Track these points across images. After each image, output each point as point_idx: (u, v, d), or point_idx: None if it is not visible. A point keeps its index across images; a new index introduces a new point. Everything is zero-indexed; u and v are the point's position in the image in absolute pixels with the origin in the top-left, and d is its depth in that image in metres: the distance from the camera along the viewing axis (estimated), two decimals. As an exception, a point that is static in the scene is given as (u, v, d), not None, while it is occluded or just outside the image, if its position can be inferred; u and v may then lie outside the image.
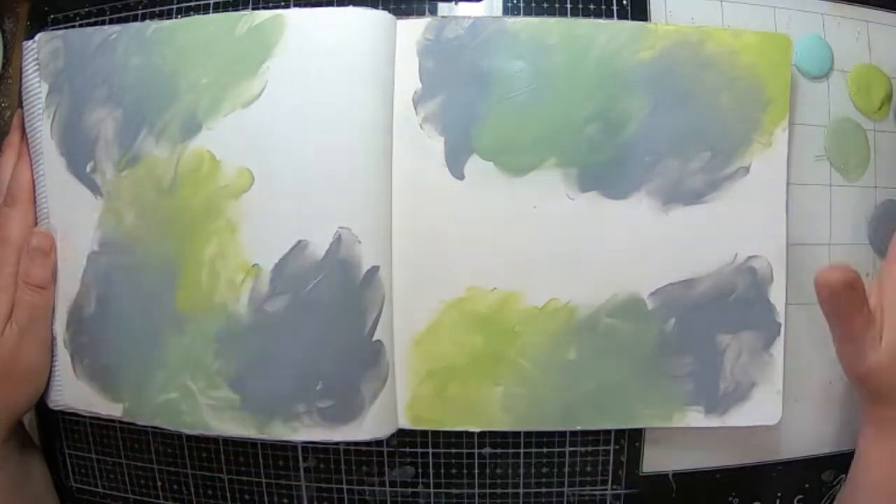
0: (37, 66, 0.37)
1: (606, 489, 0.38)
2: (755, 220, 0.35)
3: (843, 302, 0.31)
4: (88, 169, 0.36)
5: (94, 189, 0.36)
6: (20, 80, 0.38)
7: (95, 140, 0.36)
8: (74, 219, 0.37)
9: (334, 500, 0.38)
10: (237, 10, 0.37)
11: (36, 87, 0.37)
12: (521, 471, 0.38)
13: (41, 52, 0.37)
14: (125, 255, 0.36)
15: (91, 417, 0.38)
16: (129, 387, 0.36)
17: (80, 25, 0.39)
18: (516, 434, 0.37)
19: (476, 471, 0.38)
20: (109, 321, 0.36)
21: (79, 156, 0.37)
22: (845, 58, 0.37)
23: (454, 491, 0.38)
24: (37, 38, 0.37)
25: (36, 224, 0.38)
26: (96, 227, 0.36)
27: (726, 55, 0.34)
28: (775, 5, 0.37)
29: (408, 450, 0.37)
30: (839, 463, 0.38)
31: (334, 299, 0.34)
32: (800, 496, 0.39)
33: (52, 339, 0.37)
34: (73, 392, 0.38)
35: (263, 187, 0.34)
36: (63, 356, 0.38)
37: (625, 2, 0.37)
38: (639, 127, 0.34)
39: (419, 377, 0.35)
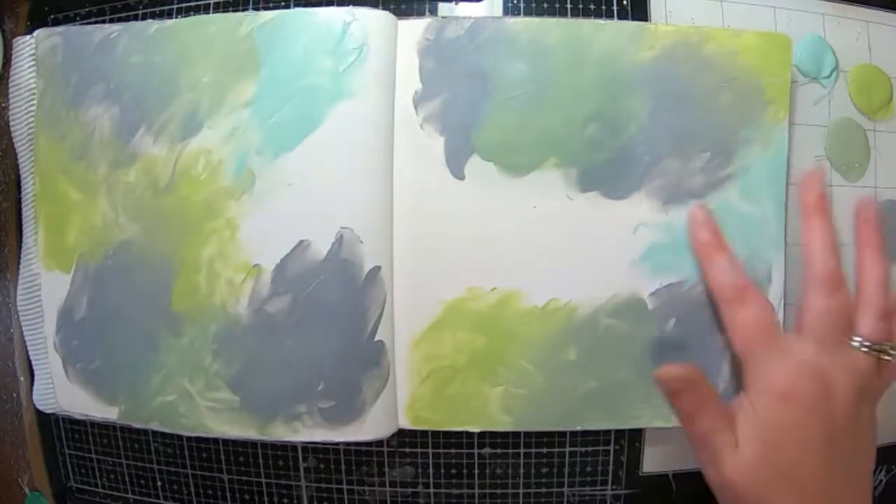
0: (32, 62, 0.37)
1: (606, 489, 0.38)
2: (754, 220, 0.35)
3: (685, 401, 0.30)
4: (81, 167, 0.36)
5: (87, 188, 0.36)
6: (9, 75, 0.38)
7: (90, 137, 0.36)
8: (65, 218, 0.37)
9: (334, 500, 0.38)
10: (237, 10, 0.37)
11: (28, 82, 0.37)
12: (521, 471, 0.38)
13: (39, 47, 0.37)
14: (118, 255, 0.36)
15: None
16: (124, 390, 0.36)
17: (80, 26, 0.39)
18: (516, 434, 0.37)
19: (476, 471, 0.38)
20: (102, 323, 0.36)
21: (72, 153, 0.37)
22: (845, 58, 0.37)
23: (454, 491, 0.38)
24: (35, 34, 0.37)
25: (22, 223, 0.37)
26: (88, 227, 0.36)
27: (726, 55, 0.34)
28: (775, 5, 0.37)
29: (408, 450, 0.37)
30: (839, 463, 0.38)
31: (336, 299, 0.34)
32: (800, 496, 0.39)
33: (44, 340, 0.37)
34: (66, 395, 0.37)
35: (265, 187, 0.34)
36: (54, 359, 0.38)
37: (625, 2, 0.37)
38: (639, 127, 0.34)
39: (419, 377, 0.35)
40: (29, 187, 0.38)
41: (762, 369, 0.30)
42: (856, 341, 0.30)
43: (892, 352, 0.30)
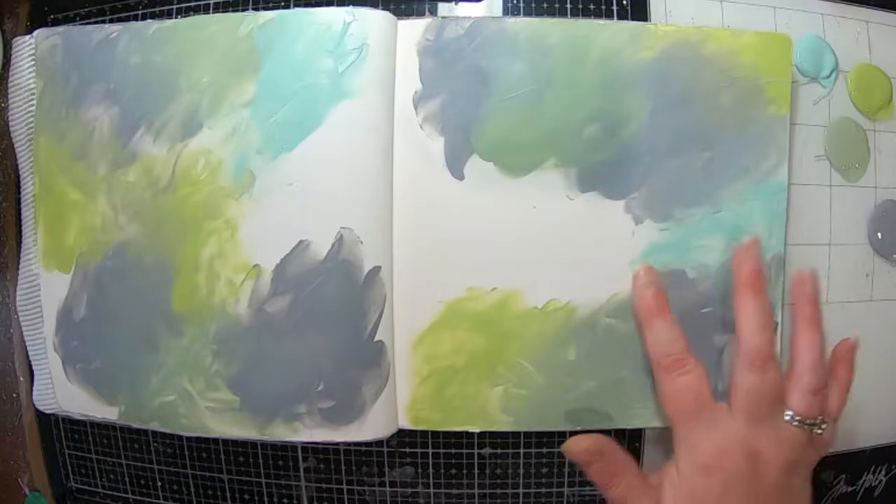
0: (31, 62, 0.37)
1: (606, 489, 0.38)
2: (755, 220, 0.35)
3: (597, 472, 0.31)
4: (81, 167, 0.36)
5: (87, 188, 0.36)
6: (9, 75, 0.38)
7: (89, 138, 0.36)
8: (64, 218, 0.37)
9: (334, 500, 0.38)
10: (237, 10, 0.37)
11: (28, 82, 0.37)
12: (521, 471, 0.38)
13: (39, 47, 0.37)
14: (118, 255, 0.36)
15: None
16: (124, 390, 0.36)
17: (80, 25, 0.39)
18: (516, 434, 0.37)
19: (476, 471, 0.38)
20: (101, 324, 0.36)
21: (71, 153, 0.37)
22: (845, 58, 0.37)
23: (454, 491, 0.38)
24: (35, 33, 0.37)
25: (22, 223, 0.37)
26: (88, 227, 0.36)
27: (726, 55, 0.34)
28: (775, 5, 0.37)
29: (408, 450, 0.37)
30: (839, 463, 0.38)
31: (336, 300, 0.34)
32: (799, 496, 0.39)
33: (44, 340, 0.37)
34: (66, 396, 0.38)
35: (265, 187, 0.34)
36: (54, 359, 0.38)
37: (625, 2, 0.37)
38: (639, 127, 0.34)
39: (419, 377, 0.35)
40: (29, 187, 0.38)
41: (690, 439, 0.31)
42: (787, 415, 0.30)
43: (823, 425, 0.31)
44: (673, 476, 0.31)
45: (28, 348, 0.39)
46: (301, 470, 0.38)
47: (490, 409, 0.35)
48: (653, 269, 0.34)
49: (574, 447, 0.31)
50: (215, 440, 0.39)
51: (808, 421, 0.30)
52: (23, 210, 0.39)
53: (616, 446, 0.32)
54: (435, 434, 0.37)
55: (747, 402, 0.30)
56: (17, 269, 0.40)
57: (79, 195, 0.36)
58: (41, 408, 0.38)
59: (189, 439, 0.39)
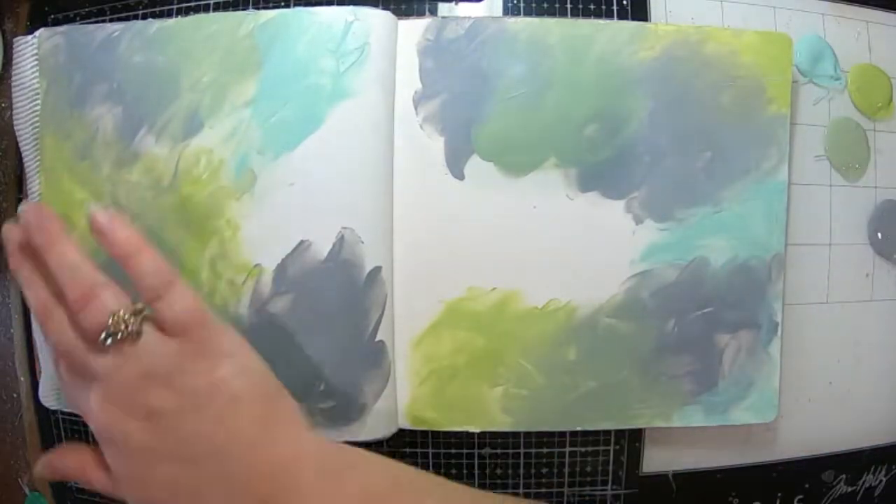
0: (34, 62, 0.37)
1: (606, 489, 0.38)
2: (755, 219, 0.35)
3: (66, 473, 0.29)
4: (85, 166, 0.36)
5: (91, 187, 0.36)
6: (11, 75, 0.38)
7: (93, 137, 0.36)
8: (68, 217, 0.37)
9: (334, 500, 0.38)
10: (238, 9, 0.37)
11: (32, 82, 0.37)
12: (521, 471, 0.38)
13: (41, 47, 0.37)
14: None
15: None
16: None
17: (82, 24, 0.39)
18: (516, 434, 0.37)
19: (476, 471, 0.38)
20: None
21: (76, 153, 0.36)
22: (845, 58, 0.37)
23: (454, 491, 0.38)
24: (37, 33, 0.37)
25: None
26: (91, 226, 0.36)
27: (727, 55, 0.34)
28: (775, 5, 0.37)
29: (408, 450, 0.37)
30: (839, 463, 0.39)
31: (337, 300, 0.34)
32: (800, 496, 0.39)
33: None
34: None
35: (266, 187, 0.34)
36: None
37: (625, 2, 0.37)
38: (639, 127, 0.34)
39: (419, 377, 0.35)
40: (35, 187, 0.38)
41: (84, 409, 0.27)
42: (96, 346, 0.26)
43: (131, 320, 0.26)
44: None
45: (36, 345, 0.39)
46: (301, 470, 0.38)
47: (490, 409, 0.35)
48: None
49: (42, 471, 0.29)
50: (215, 440, 0.38)
51: (105, 334, 0.25)
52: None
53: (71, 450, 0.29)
54: (435, 434, 0.37)
55: (66, 362, 0.27)
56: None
57: (84, 194, 0.36)
58: (46, 404, 0.38)
59: (189, 439, 0.39)
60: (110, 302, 0.26)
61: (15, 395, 0.42)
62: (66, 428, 0.41)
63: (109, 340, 0.26)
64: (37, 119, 0.37)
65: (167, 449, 0.26)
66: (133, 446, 0.26)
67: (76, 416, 0.39)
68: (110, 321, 0.26)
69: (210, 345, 0.27)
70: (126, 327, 0.26)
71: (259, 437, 0.27)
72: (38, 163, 0.37)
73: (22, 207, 0.28)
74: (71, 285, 0.26)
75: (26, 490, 0.42)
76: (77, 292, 0.26)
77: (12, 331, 0.41)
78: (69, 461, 0.29)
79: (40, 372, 0.39)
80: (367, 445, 0.37)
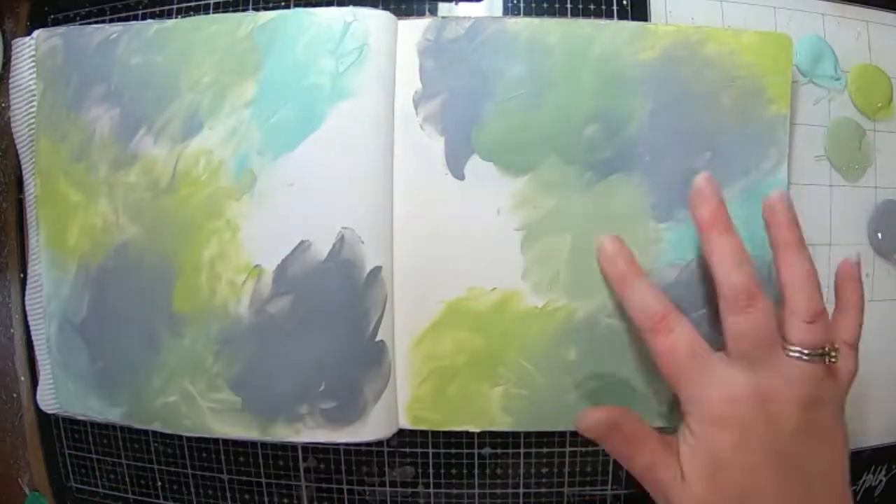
0: (32, 63, 0.37)
1: (606, 489, 0.38)
2: (756, 220, 0.35)
3: (616, 444, 0.30)
4: (82, 168, 0.36)
5: (87, 189, 0.36)
6: (9, 76, 0.38)
7: (90, 139, 0.36)
8: (65, 219, 0.37)
9: (334, 500, 0.38)
10: (237, 10, 0.37)
11: (28, 83, 0.37)
12: (521, 471, 0.38)
13: (39, 48, 0.37)
14: (119, 256, 0.36)
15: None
16: (126, 391, 0.36)
17: (80, 26, 0.39)
18: (516, 434, 0.37)
19: (476, 471, 0.38)
20: (103, 324, 0.36)
21: (72, 154, 0.37)
22: (845, 58, 0.37)
23: (454, 491, 0.38)
24: (34, 34, 0.37)
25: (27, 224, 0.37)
26: (89, 228, 0.36)
27: (726, 55, 0.34)
28: (775, 5, 0.37)
29: (408, 450, 0.37)
30: (839, 463, 0.38)
31: (337, 300, 0.34)
32: (800, 496, 0.39)
33: (46, 341, 0.37)
34: (67, 396, 0.37)
35: (265, 187, 0.34)
36: (56, 360, 0.37)
37: (625, 2, 0.37)
38: (639, 127, 0.34)
39: (419, 377, 0.35)
40: (31, 188, 0.38)
41: (695, 396, 0.29)
42: (793, 351, 0.28)
43: (833, 354, 0.29)
44: (688, 440, 0.29)
45: (35, 348, 0.39)
46: (301, 470, 0.38)
47: (490, 409, 0.35)
48: (617, 238, 0.33)
49: (587, 421, 0.30)
50: (215, 440, 0.39)
51: (815, 352, 0.28)
52: (27, 211, 0.39)
53: (632, 416, 0.30)
54: (435, 434, 0.37)
55: (742, 346, 0.29)
56: (19, 268, 0.40)
57: (80, 196, 0.36)
58: (44, 408, 0.38)
59: (189, 439, 0.39)
60: (826, 334, 0.29)
61: (15, 395, 0.42)
62: (65, 428, 0.41)
63: (809, 357, 0.28)
64: (33, 121, 0.37)
65: (805, 464, 0.28)
66: (777, 443, 0.28)
67: (76, 417, 0.39)
68: (825, 345, 0.28)
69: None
70: (829, 353, 0.29)
71: None
72: (33, 165, 0.37)
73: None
74: (808, 297, 0.29)
75: (26, 490, 0.42)
76: (812, 307, 0.29)
77: (12, 331, 0.41)
78: (629, 438, 0.30)
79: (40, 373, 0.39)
80: (367, 445, 0.37)
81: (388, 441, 0.37)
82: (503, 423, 0.35)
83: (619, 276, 0.32)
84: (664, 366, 0.30)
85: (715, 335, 0.35)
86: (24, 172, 0.38)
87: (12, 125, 0.38)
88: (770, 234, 0.31)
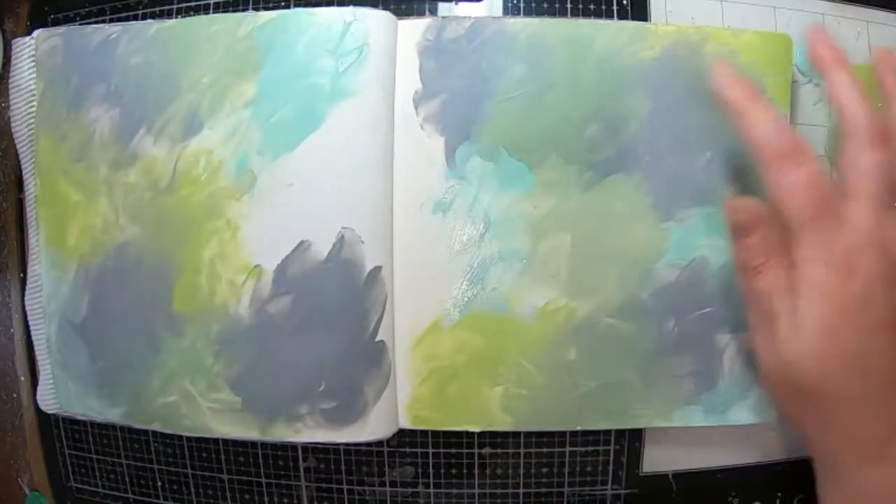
0: (32, 63, 0.37)
1: (606, 489, 0.38)
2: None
3: (751, 245, 0.28)
4: (81, 168, 0.36)
5: (87, 189, 0.36)
6: (9, 76, 0.38)
7: (90, 139, 0.36)
8: (65, 219, 0.37)
9: (334, 500, 0.38)
10: (237, 10, 0.37)
11: (28, 83, 0.37)
12: (521, 471, 0.38)
13: (39, 49, 0.37)
14: (118, 256, 0.36)
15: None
16: (125, 391, 0.36)
17: (81, 26, 0.39)
18: (516, 434, 0.37)
19: (476, 471, 0.38)
20: (103, 324, 0.36)
21: (72, 155, 0.36)
22: (845, 58, 0.37)
23: (454, 491, 0.38)
24: (34, 34, 0.37)
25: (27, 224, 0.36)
26: (88, 228, 0.36)
27: (727, 55, 0.34)
28: (775, 5, 0.37)
29: (408, 450, 0.37)
30: (839, 463, 0.38)
31: (337, 300, 0.34)
32: (800, 496, 0.39)
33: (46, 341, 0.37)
34: (67, 396, 0.37)
35: (265, 187, 0.34)
36: (56, 360, 0.37)
37: (625, 2, 0.37)
38: (639, 127, 0.34)
39: (419, 377, 0.35)
40: (31, 189, 0.38)
41: (819, 239, 0.26)
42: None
43: None
44: (811, 281, 0.26)
45: (35, 349, 0.39)
46: (301, 470, 0.38)
47: (490, 409, 0.35)
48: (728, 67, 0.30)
49: (735, 205, 0.28)
50: (215, 440, 0.39)
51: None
52: (27, 211, 0.39)
53: (774, 225, 0.27)
54: (435, 434, 0.37)
55: (869, 184, 0.26)
56: (19, 268, 0.40)
57: (80, 196, 0.36)
58: (44, 408, 0.38)
59: (189, 439, 0.39)
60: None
61: (15, 395, 0.42)
62: (65, 428, 0.41)
63: None
64: (33, 121, 0.37)
65: None
66: (879, 324, 0.25)
67: (76, 417, 0.39)
68: None
69: None
70: None
71: None
72: (33, 165, 0.37)
73: None
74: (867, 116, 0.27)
75: (26, 490, 0.42)
76: (871, 122, 0.27)
77: (12, 331, 0.41)
78: (758, 243, 0.28)
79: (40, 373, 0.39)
80: (367, 445, 0.37)
81: (388, 441, 0.37)
82: (503, 423, 0.35)
83: (737, 98, 0.29)
84: (785, 203, 0.27)
85: (714, 336, 0.35)
86: (23, 172, 0.38)
87: (12, 125, 0.38)
88: (883, 85, 0.29)
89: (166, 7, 0.38)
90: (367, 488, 0.38)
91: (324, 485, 0.38)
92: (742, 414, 0.35)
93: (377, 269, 0.34)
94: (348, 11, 0.34)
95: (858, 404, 0.26)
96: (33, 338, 0.39)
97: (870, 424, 0.26)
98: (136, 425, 0.37)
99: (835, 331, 0.26)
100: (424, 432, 0.37)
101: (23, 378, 0.41)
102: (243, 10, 0.37)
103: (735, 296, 0.35)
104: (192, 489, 0.40)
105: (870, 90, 0.38)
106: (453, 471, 0.38)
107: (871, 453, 0.26)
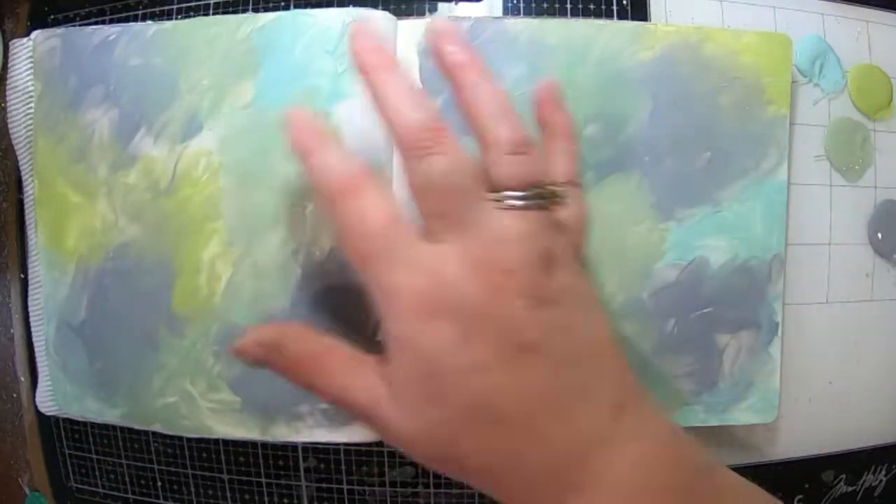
0: (29, 64, 0.37)
1: (606, 489, 0.38)
2: (755, 219, 0.35)
3: (290, 372, 0.24)
4: (80, 169, 0.36)
5: (86, 190, 0.36)
6: (7, 78, 0.38)
7: (88, 140, 0.36)
8: (64, 220, 0.37)
9: (334, 500, 0.38)
10: (237, 11, 0.37)
11: (26, 84, 0.37)
12: (522, 471, 0.37)
13: (37, 49, 0.37)
14: (118, 257, 0.36)
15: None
16: (125, 392, 0.36)
17: (80, 26, 0.39)
18: (516, 434, 0.37)
19: (476, 471, 0.37)
20: (102, 325, 0.36)
21: (70, 155, 0.36)
22: (845, 58, 0.37)
23: (454, 491, 0.38)
24: (33, 35, 0.37)
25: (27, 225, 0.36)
26: (87, 229, 0.36)
27: (726, 55, 0.34)
28: (775, 5, 0.37)
29: (408, 450, 0.37)
30: (839, 463, 0.39)
31: (338, 299, 0.34)
32: (800, 496, 0.39)
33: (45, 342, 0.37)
34: (66, 398, 0.37)
35: (265, 188, 0.34)
36: (55, 361, 0.37)
37: (625, 2, 0.37)
38: (639, 127, 0.34)
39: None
40: (30, 189, 0.38)
41: (393, 284, 0.22)
42: (504, 200, 0.22)
43: (556, 194, 0.23)
44: (391, 344, 0.22)
45: (35, 349, 0.39)
46: (301, 470, 0.38)
47: (490, 409, 0.35)
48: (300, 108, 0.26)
49: (240, 344, 0.24)
50: (215, 440, 0.38)
51: (531, 194, 0.22)
52: (26, 212, 0.39)
53: (304, 331, 0.24)
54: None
55: (433, 202, 0.22)
56: (19, 269, 0.40)
57: (79, 197, 0.36)
58: (43, 409, 0.38)
59: (189, 439, 0.39)
60: (538, 166, 0.23)
61: (15, 395, 0.42)
62: (65, 428, 0.41)
63: (525, 201, 0.21)
64: (31, 122, 0.37)
65: (552, 345, 0.21)
66: (510, 328, 0.21)
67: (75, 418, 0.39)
68: (541, 183, 0.22)
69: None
70: (550, 195, 0.22)
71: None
72: (31, 166, 0.37)
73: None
74: (507, 124, 0.23)
75: (26, 490, 0.42)
76: (515, 135, 0.22)
77: (12, 331, 0.41)
78: (305, 359, 0.23)
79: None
80: (367, 445, 0.37)
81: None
82: (503, 424, 0.35)
83: (301, 139, 0.24)
84: (350, 241, 0.23)
85: (714, 336, 0.35)
86: (22, 173, 0.38)
87: (9, 126, 0.38)
88: (441, 66, 0.24)
89: (166, 7, 0.38)
90: (367, 488, 0.38)
91: (324, 485, 0.38)
92: (742, 414, 0.35)
93: (377, 269, 0.34)
94: (347, 12, 0.34)
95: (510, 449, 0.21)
96: (34, 338, 0.39)
97: (543, 453, 0.21)
98: (136, 426, 0.37)
99: (439, 389, 0.21)
100: (424, 432, 0.37)
101: (23, 378, 0.41)
102: (243, 12, 0.37)
103: (735, 296, 0.35)
104: (192, 489, 0.40)
105: (870, 90, 0.38)
106: (453, 471, 0.37)
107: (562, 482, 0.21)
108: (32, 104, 0.37)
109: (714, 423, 0.35)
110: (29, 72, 0.37)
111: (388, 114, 0.23)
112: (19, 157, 0.38)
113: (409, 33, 0.34)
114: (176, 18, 0.37)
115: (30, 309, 0.39)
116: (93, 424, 0.40)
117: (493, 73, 0.25)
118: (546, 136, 0.26)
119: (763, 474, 0.38)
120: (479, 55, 0.25)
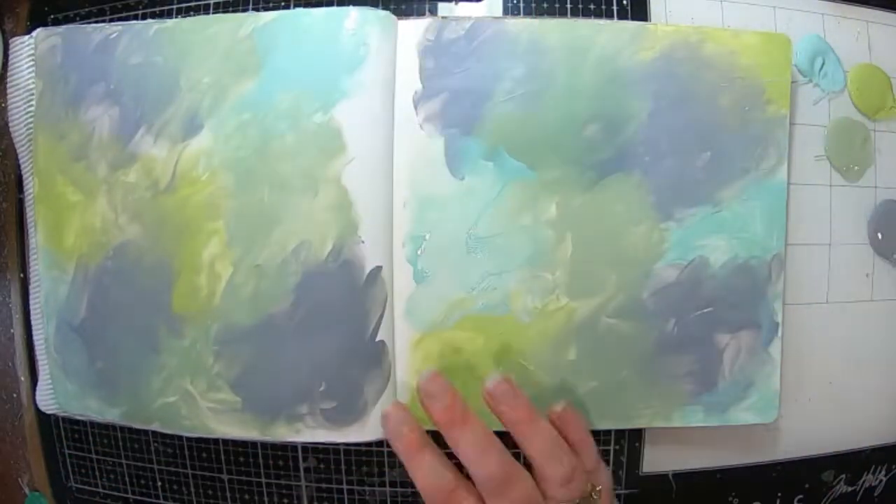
0: (31, 63, 0.37)
1: (606, 489, 0.38)
2: (755, 219, 0.35)
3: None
4: (80, 168, 0.36)
5: (86, 188, 0.36)
6: (7, 76, 0.38)
7: (89, 138, 0.36)
8: (64, 219, 0.37)
9: (334, 500, 0.38)
10: (238, 10, 0.37)
11: (27, 82, 0.37)
12: (522, 470, 0.38)
13: (38, 48, 0.37)
14: (118, 256, 0.36)
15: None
16: (125, 391, 0.36)
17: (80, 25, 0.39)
18: (517, 434, 0.37)
19: (476, 471, 0.37)
20: (102, 325, 0.36)
21: (70, 154, 0.36)
22: (845, 58, 0.37)
23: (454, 491, 0.38)
24: (34, 34, 0.37)
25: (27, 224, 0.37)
26: (87, 228, 0.36)
27: (726, 55, 0.34)
28: (775, 5, 0.37)
29: (408, 450, 0.37)
30: (839, 463, 0.39)
31: (337, 300, 0.34)
32: (800, 496, 0.39)
33: (45, 341, 0.37)
34: (66, 397, 0.37)
35: (266, 188, 0.34)
36: (55, 360, 0.37)
37: (625, 2, 0.37)
38: (639, 127, 0.34)
39: (420, 377, 0.35)
40: (30, 188, 0.38)
41: None
42: None
43: (595, 493, 0.31)
44: None
45: (36, 349, 0.39)
46: (301, 470, 0.38)
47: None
48: (400, 405, 0.33)
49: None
50: (215, 440, 0.39)
51: (577, 501, 0.30)
52: (26, 211, 0.39)
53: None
54: (435, 434, 0.37)
55: None
56: (20, 268, 0.40)
57: (79, 196, 0.36)
58: (43, 409, 0.38)
59: (189, 439, 0.39)
60: (583, 481, 0.31)
61: (15, 395, 0.42)
62: (65, 428, 0.41)
63: None
64: (31, 120, 0.37)
65: None
66: None
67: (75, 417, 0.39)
68: (585, 492, 0.31)
69: None
70: (591, 496, 0.31)
71: None
72: (31, 164, 0.37)
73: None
74: (557, 461, 0.30)
75: (26, 490, 0.42)
76: (565, 471, 0.30)
77: (12, 331, 0.41)
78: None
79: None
80: (367, 445, 0.37)
81: (388, 441, 0.37)
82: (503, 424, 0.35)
83: (406, 444, 0.31)
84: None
85: (714, 336, 0.35)
86: (23, 172, 0.38)
87: (10, 124, 0.38)
88: (502, 419, 0.31)
89: (166, 7, 0.38)
90: (367, 488, 0.38)
91: (324, 485, 0.38)
92: (742, 414, 0.35)
93: (377, 269, 0.34)
94: (348, 12, 0.34)
95: None
96: (34, 338, 0.39)
97: None
98: (136, 425, 0.37)
99: None
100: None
101: (23, 378, 0.41)
102: (244, 11, 0.37)
103: (735, 296, 0.35)
104: (192, 489, 0.40)
105: (870, 90, 0.38)
106: (453, 471, 0.37)
107: None
108: (33, 102, 0.37)
109: (714, 423, 0.35)
110: (30, 69, 0.37)
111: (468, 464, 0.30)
112: (20, 155, 0.38)
113: (409, 33, 0.34)
114: (176, 18, 0.37)
115: (30, 308, 0.39)
116: (93, 424, 0.40)
117: (538, 415, 0.31)
118: (575, 448, 0.32)
119: (763, 474, 0.38)
120: (528, 405, 0.31)
